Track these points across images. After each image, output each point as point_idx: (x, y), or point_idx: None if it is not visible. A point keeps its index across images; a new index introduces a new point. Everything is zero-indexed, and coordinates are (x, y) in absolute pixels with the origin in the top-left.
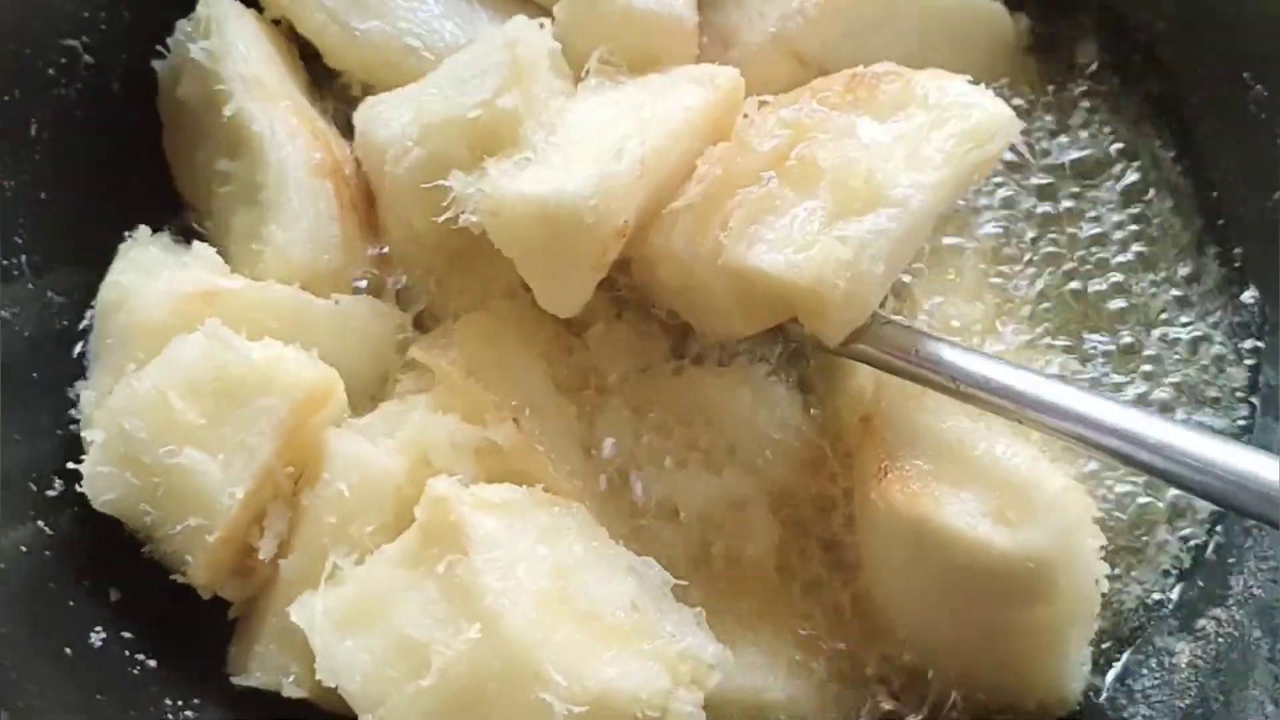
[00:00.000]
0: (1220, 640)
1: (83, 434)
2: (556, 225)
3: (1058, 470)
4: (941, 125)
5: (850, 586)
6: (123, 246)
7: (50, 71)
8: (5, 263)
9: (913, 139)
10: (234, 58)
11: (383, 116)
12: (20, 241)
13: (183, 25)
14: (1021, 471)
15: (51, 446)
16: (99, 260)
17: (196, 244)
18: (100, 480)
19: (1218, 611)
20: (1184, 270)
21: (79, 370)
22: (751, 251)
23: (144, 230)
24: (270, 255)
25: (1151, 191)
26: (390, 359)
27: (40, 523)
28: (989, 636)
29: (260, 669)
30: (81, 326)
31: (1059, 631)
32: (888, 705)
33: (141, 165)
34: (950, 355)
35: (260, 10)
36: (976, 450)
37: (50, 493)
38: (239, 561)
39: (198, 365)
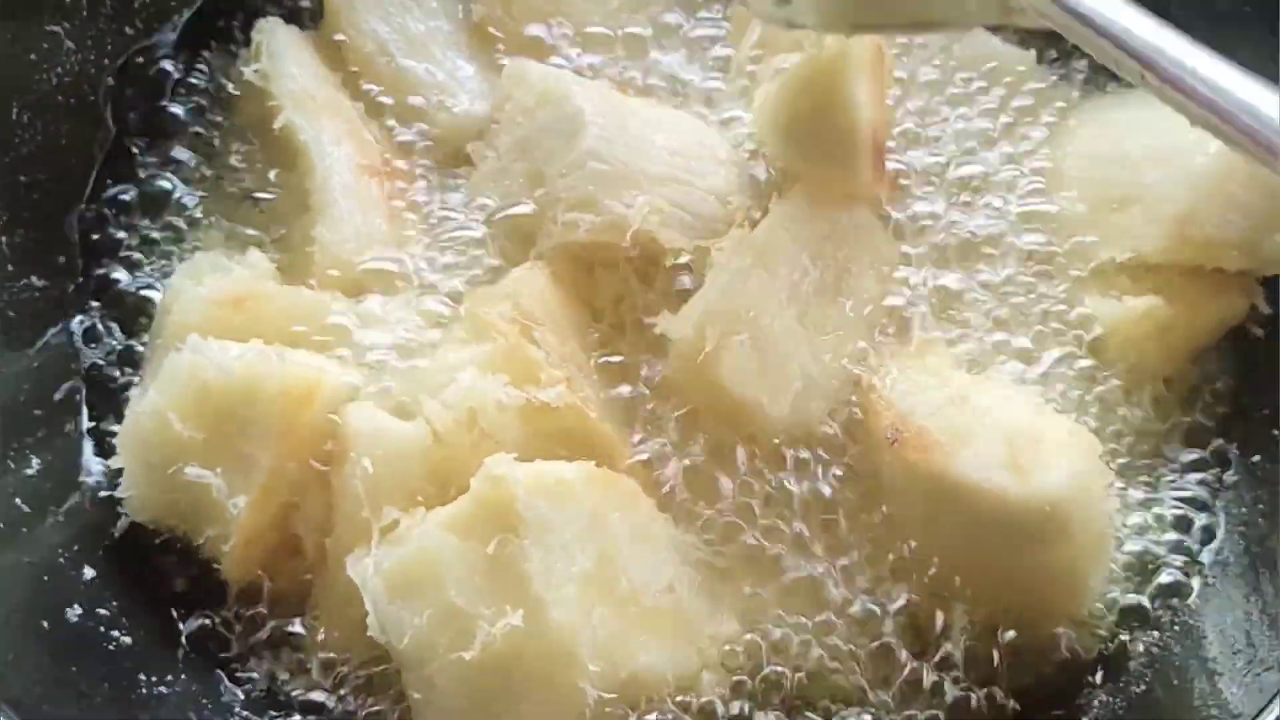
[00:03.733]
0: (1176, 627)
1: (109, 463)
2: None
3: (1061, 415)
4: None
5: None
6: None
7: None
8: None
9: None
10: (283, 76)
11: None
12: None
13: (243, 54)
14: (1027, 419)
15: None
16: None
17: (251, 251)
18: (134, 501)
19: (1174, 601)
20: None
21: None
22: None
23: (215, 233)
24: (319, 255)
25: None
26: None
27: (17, 499)
28: (1014, 579)
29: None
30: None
31: (1079, 566)
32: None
33: None
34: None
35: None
36: (981, 403)
37: (28, 471)
38: (282, 550)
39: (186, 382)
